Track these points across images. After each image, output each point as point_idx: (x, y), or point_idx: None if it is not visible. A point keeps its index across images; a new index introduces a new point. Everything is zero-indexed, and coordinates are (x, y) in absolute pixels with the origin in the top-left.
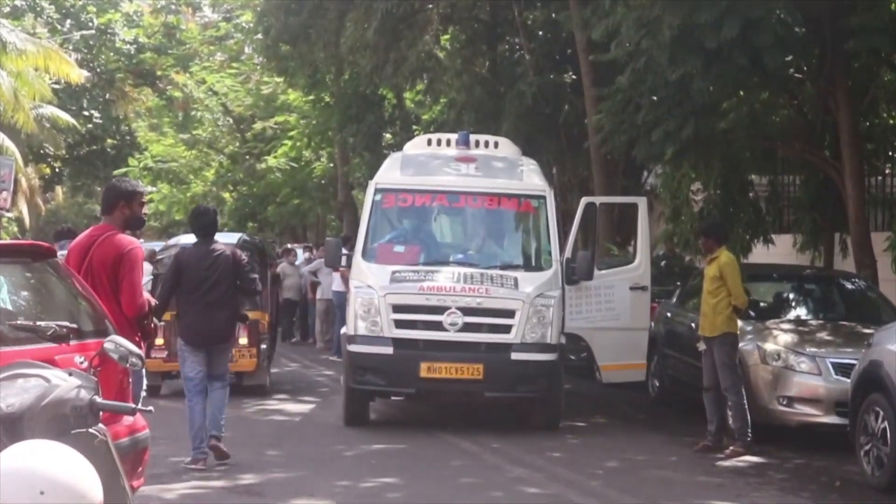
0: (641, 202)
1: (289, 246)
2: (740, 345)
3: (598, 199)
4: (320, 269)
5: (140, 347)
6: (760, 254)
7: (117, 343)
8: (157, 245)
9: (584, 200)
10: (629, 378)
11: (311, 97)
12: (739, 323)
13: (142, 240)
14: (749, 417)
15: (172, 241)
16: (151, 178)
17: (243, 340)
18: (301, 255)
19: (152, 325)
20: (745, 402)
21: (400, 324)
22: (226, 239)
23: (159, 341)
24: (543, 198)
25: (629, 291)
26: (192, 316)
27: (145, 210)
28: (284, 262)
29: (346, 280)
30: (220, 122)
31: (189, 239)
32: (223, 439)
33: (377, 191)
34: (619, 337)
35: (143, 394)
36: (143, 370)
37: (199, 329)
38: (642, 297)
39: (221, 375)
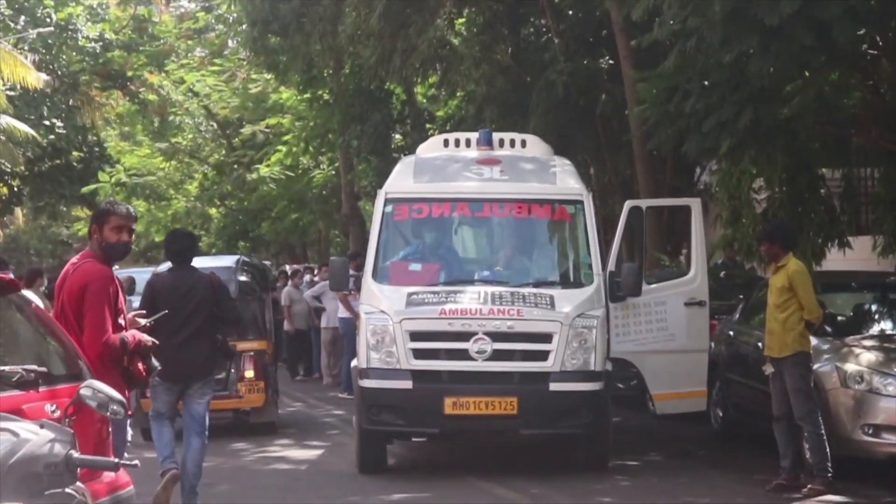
0: (695, 204)
1: (297, 267)
2: (815, 366)
3: (645, 203)
4: (324, 293)
5: (124, 394)
6: (835, 260)
7: (95, 389)
8: (135, 272)
9: (628, 204)
10: (687, 408)
11: (308, 95)
12: (813, 340)
13: (115, 266)
14: (828, 450)
15: (162, 267)
16: (126, 194)
17: (249, 373)
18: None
19: (139, 367)
20: (824, 432)
21: (419, 354)
22: (222, 262)
23: None
24: (581, 203)
25: (684, 308)
26: (167, 349)
27: (124, 235)
28: (290, 287)
29: (347, 305)
30: (203, 127)
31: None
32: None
33: (388, 201)
34: (675, 361)
35: (128, 443)
36: (128, 419)
37: (175, 363)
38: (700, 314)
39: (200, 419)
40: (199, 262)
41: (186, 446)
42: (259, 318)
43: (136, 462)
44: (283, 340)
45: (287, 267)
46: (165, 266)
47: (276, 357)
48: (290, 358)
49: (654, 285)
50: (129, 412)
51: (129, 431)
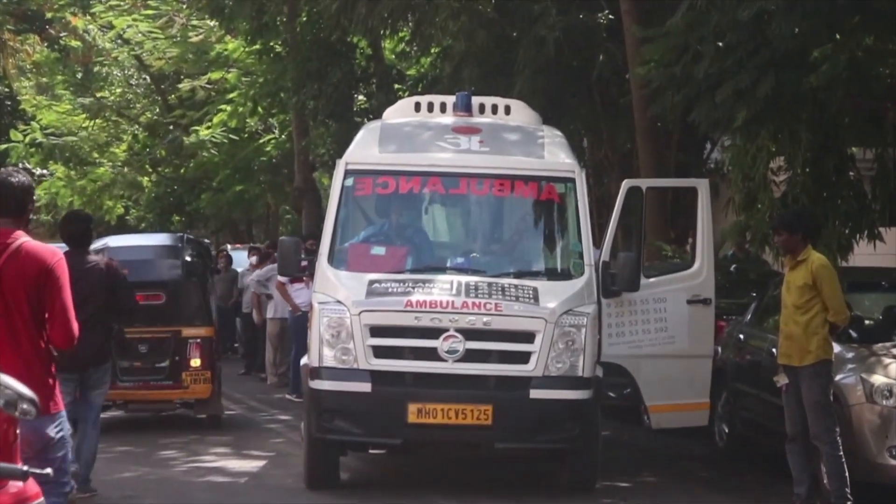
0: (702, 186)
1: (258, 246)
2: (837, 377)
3: (645, 182)
4: (271, 278)
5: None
6: (864, 254)
7: (2, 384)
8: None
9: (626, 184)
10: (687, 422)
11: (257, 47)
12: (836, 348)
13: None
14: (848, 475)
15: (99, 243)
16: (41, 156)
17: (196, 362)
18: (245, 259)
19: None
20: (842, 453)
21: (380, 352)
22: (165, 240)
23: None
24: (572, 180)
25: (687, 306)
26: None
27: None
28: (262, 270)
29: (285, 295)
30: (134, 81)
31: (119, 241)
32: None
33: (348, 173)
34: (674, 367)
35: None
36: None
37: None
38: (704, 314)
39: (97, 410)
40: (138, 240)
41: (83, 437)
42: (204, 302)
43: (49, 471)
44: (240, 332)
45: (262, 246)
46: (107, 241)
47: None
48: (249, 353)
49: (652, 279)
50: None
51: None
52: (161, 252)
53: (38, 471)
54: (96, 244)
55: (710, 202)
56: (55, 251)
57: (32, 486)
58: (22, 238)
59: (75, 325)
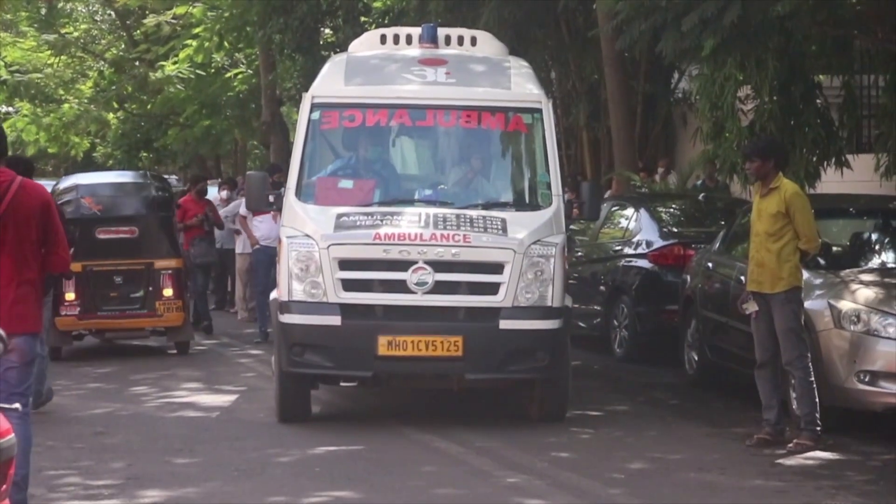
0: (547, 106)
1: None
2: (805, 304)
3: None
4: (239, 213)
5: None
6: (832, 181)
7: None
8: None
9: None
10: None
11: None
12: (805, 274)
13: None
14: (818, 400)
15: (69, 181)
16: (6, 94)
17: (168, 292)
18: (215, 193)
19: None
20: (814, 379)
21: (349, 285)
22: (128, 177)
23: (70, 296)
24: (539, 111)
25: None
26: None
27: None
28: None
29: (246, 229)
30: (99, 16)
31: (89, 179)
32: None
33: (315, 106)
34: None
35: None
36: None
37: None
38: None
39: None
40: (108, 178)
41: None
42: (172, 235)
43: (17, 406)
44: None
45: (239, 179)
46: (77, 179)
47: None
48: (219, 287)
49: None
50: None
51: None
52: (131, 189)
53: (6, 406)
54: (66, 181)
55: (553, 122)
56: (44, 186)
57: (2, 422)
58: (14, 177)
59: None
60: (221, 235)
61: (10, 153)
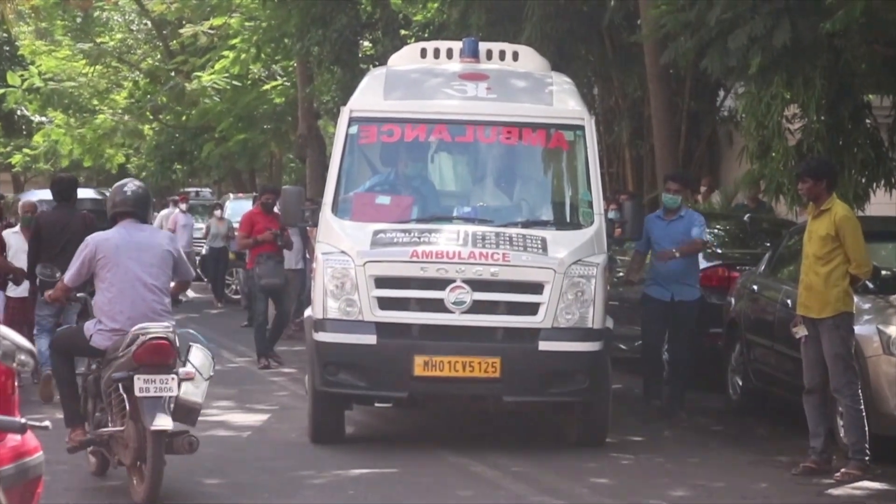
0: (589, 123)
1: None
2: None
3: None
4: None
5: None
6: (881, 203)
7: (0, 336)
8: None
9: None
10: None
11: None
12: (855, 299)
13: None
14: (867, 428)
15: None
16: (40, 103)
17: None
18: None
19: None
20: (863, 407)
21: (385, 303)
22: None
23: None
24: (581, 128)
25: None
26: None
27: None
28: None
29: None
30: (135, 26)
31: (46, 194)
32: None
33: (353, 121)
34: None
35: None
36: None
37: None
38: None
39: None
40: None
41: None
42: None
43: (48, 423)
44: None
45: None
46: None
47: None
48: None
49: None
50: None
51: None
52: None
53: (36, 424)
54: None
55: (595, 140)
56: None
57: (31, 439)
58: None
59: None
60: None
61: (44, 165)
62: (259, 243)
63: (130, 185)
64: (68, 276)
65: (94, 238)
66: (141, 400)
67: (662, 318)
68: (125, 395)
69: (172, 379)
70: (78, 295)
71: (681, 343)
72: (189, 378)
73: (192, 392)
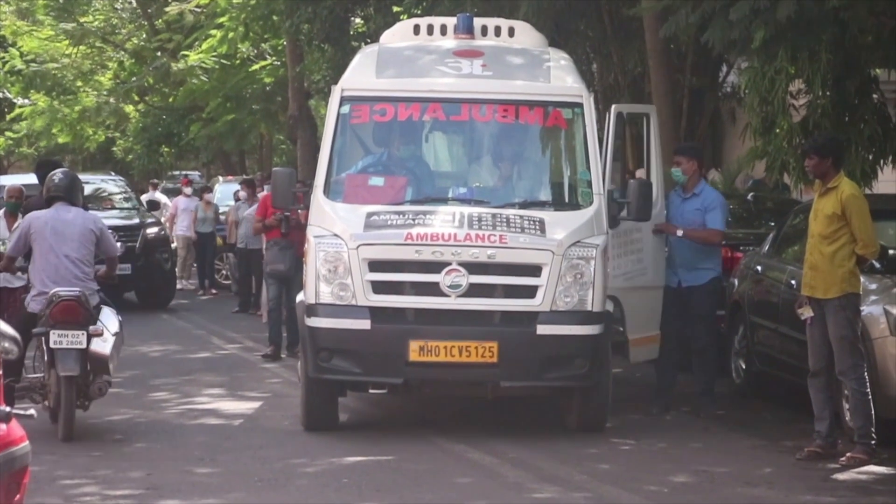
0: (653, 112)
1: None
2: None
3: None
4: None
5: None
6: (888, 181)
7: None
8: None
9: (614, 109)
10: (651, 355)
11: None
12: (861, 279)
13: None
14: (873, 412)
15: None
16: (22, 85)
17: None
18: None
19: None
20: (869, 390)
21: (379, 287)
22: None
23: None
24: (580, 105)
25: (653, 237)
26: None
27: None
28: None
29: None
30: (119, 4)
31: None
32: None
33: (344, 100)
34: (647, 299)
35: None
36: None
37: None
38: (660, 244)
39: None
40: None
41: None
42: None
43: (33, 412)
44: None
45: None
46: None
47: None
48: (243, 290)
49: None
50: None
51: None
52: None
53: (21, 412)
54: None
55: (657, 128)
56: None
57: (17, 428)
58: None
59: None
60: (241, 236)
61: (27, 149)
62: (268, 228)
63: (59, 174)
64: (10, 248)
65: (29, 216)
66: (55, 351)
67: (671, 304)
68: (45, 348)
69: (83, 334)
70: (19, 266)
71: (697, 331)
72: (97, 334)
73: (101, 345)
